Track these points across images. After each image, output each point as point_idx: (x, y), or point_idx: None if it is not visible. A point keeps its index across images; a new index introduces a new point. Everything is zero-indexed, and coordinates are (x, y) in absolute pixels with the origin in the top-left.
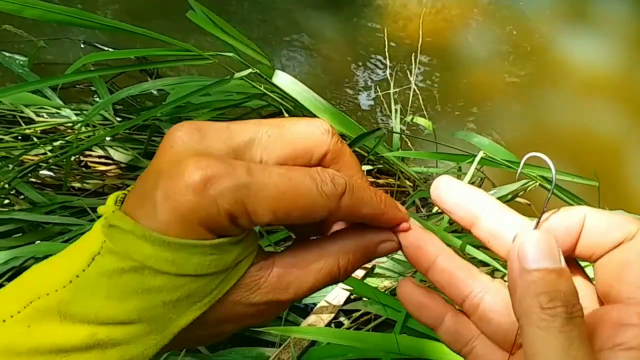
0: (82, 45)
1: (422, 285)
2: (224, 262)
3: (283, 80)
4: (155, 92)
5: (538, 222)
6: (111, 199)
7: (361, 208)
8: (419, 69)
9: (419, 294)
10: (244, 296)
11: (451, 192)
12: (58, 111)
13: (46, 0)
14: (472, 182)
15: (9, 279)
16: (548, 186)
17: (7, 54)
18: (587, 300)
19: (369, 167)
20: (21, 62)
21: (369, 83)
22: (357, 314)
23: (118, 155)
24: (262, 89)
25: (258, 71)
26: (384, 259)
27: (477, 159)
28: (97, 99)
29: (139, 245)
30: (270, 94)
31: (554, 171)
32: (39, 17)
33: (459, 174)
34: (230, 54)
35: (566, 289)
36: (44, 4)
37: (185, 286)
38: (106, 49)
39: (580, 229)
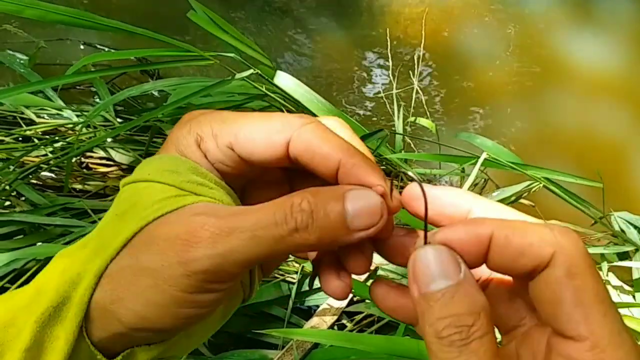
0: (82, 47)
1: (395, 284)
2: (175, 178)
3: (285, 81)
4: (155, 93)
5: (425, 236)
6: None
7: (324, 143)
8: (422, 69)
9: (394, 294)
10: (183, 217)
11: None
12: (59, 112)
13: (49, 0)
14: (475, 184)
15: (11, 281)
16: (553, 187)
17: (10, 52)
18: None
19: None
20: (23, 62)
21: (372, 84)
22: (360, 316)
23: (119, 156)
24: (263, 89)
25: (259, 72)
26: (385, 260)
27: (481, 160)
28: (98, 100)
29: (135, 170)
30: (272, 95)
31: (424, 191)
32: (39, 17)
33: (462, 176)
34: (232, 55)
35: (461, 309)
36: (45, 4)
37: (136, 194)
38: (106, 49)
39: (486, 248)
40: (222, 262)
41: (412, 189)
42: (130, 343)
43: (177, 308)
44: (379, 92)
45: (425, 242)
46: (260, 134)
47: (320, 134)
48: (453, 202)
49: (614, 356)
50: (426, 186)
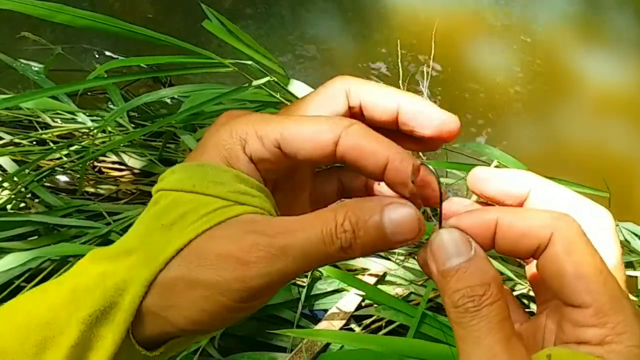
0: (97, 55)
1: None
2: (220, 189)
3: (299, 88)
4: (167, 100)
5: (440, 220)
6: None
7: (372, 141)
8: (430, 78)
9: None
10: (232, 232)
11: (492, 180)
12: (73, 117)
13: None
14: None
15: (27, 280)
16: None
17: (24, 61)
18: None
19: None
20: (37, 69)
21: None
22: (368, 320)
23: (132, 161)
24: (278, 97)
25: (276, 79)
26: (394, 266)
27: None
28: (111, 106)
29: (169, 174)
30: (287, 103)
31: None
32: (68, 22)
33: None
34: (250, 63)
35: (473, 282)
36: (74, 9)
37: (183, 205)
38: (117, 57)
39: (492, 232)
40: (276, 278)
41: (476, 172)
42: (172, 336)
43: (229, 314)
44: None
45: (440, 227)
46: (308, 132)
47: (369, 133)
48: (514, 182)
49: (615, 319)
50: (490, 168)
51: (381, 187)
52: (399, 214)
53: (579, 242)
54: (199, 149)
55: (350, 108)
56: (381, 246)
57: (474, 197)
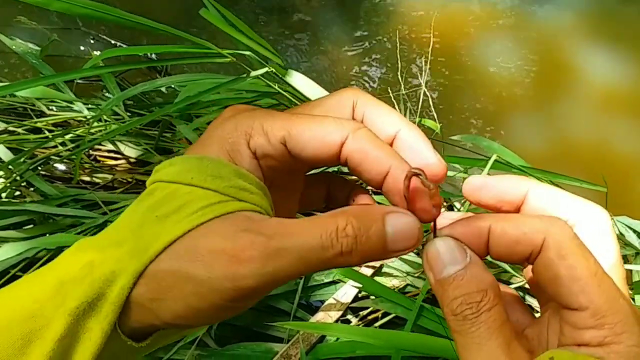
0: (92, 41)
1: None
2: (219, 183)
3: (297, 79)
4: (163, 89)
5: (435, 230)
6: None
7: (377, 148)
8: (428, 72)
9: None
10: (228, 229)
11: (487, 188)
12: (69, 105)
13: None
14: None
15: (23, 270)
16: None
17: (21, 42)
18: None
19: None
20: (35, 52)
21: (378, 83)
22: (365, 312)
23: (128, 150)
24: (276, 87)
25: (274, 70)
26: (391, 258)
27: (491, 162)
28: (107, 94)
29: (167, 166)
30: (284, 93)
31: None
32: (65, 10)
33: (465, 177)
34: (248, 53)
35: (470, 289)
36: None
37: (180, 198)
38: (113, 42)
39: (486, 239)
40: (269, 280)
41: (472, 181)
42: (158, 329)
43: (217, 313)
44: (387, 92)
45: (435, 236)
46: (315, 132)
47: (374, 139)
48: (509, 189)
49: (613, 319)
50: (484, 176)
51: (360, 201)
52: (401, 222)
53: (571, 246)
54: (201, 142)
55: (353, 120)
56: (380, 254)
57: (467, 204)
